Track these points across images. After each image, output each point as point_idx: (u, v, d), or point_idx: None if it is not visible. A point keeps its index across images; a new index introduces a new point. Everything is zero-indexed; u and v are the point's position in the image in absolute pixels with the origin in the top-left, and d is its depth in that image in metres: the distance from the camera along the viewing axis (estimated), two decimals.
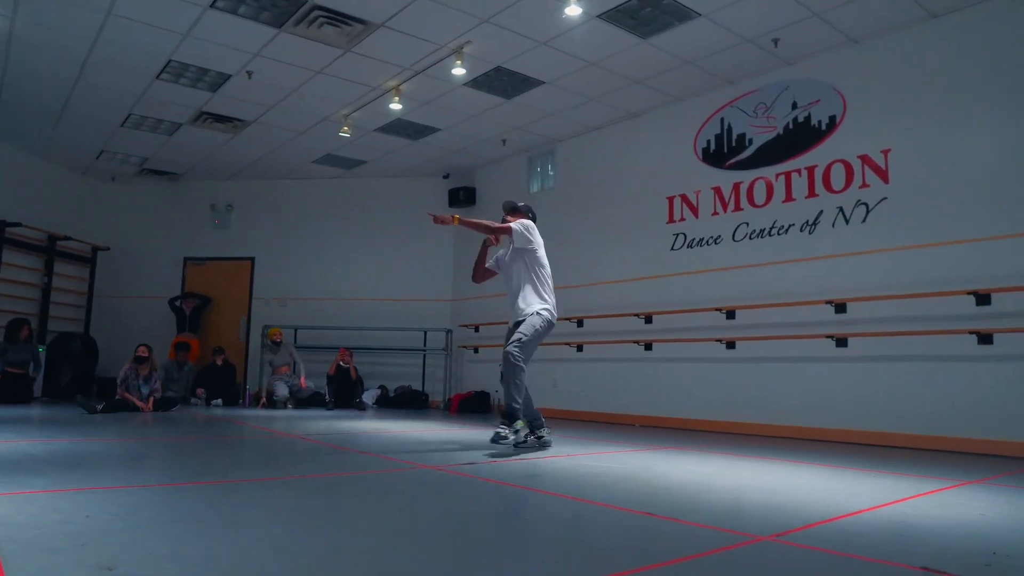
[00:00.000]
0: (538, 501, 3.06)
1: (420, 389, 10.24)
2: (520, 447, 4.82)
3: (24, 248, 9.42)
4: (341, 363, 9.48)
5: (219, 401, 9.09)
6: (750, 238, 6.76)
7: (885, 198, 5.79)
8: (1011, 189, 5.13)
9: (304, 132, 8.60)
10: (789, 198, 6.47)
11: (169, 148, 9.23)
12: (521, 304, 4.63)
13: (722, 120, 7.12)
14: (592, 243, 8.41)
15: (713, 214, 7.13)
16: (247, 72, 6.77)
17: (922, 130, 5.65)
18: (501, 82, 7.11)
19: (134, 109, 7.85)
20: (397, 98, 7.25)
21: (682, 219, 7.45)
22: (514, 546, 2.28)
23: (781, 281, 6.42)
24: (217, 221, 10.82)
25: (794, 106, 6.49)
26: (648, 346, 7.54)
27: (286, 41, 6.17)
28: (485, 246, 4.92)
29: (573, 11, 5.51)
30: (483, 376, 9.79)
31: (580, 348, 8.39)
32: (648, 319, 7.60)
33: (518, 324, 4.63)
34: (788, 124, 6.52)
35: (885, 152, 5.83)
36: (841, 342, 5.91)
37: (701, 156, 7.30)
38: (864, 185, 5.93)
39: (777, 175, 6.59)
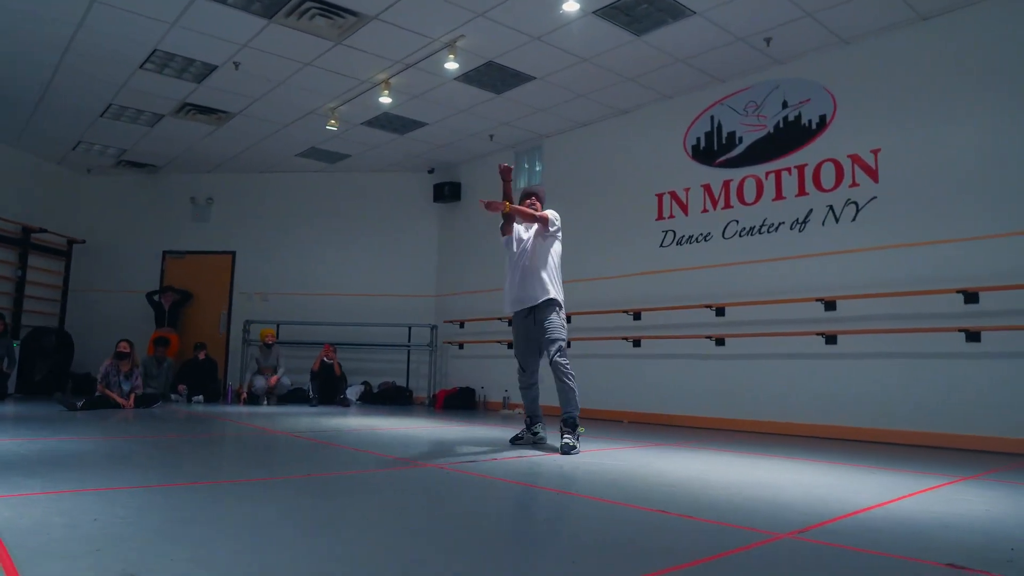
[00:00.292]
0: (548, 499, 3.05)
1: (404, 385, 10.17)
2: (516, 443, 4.81)
3: None
4: (325, 359, 9.38)
5: (200, 397, 8.95)
6: (740, 236, 6.80)
7: (875, 197, 5.86)
8: (998, 189, 5.22)
9: (289, 125, 8.47)
10: (779, 196, 6.52)
11: (149, 140, 9.04)
12: (540, 290, 4.52)
13: (712, 118, 7.15)
14: (580, 239, 8.39)
15: (703, 211, 7.17)
16: (234, 63, 6.65)
17: (912, 130, 5.72)
18: (492, 77, 7.06)
19: (115, 99, 7.67)
20: (387, 92, 7.17)
21: (671, 216, 7.47)
22: (536, 545, 2.25)
23: (771, 279, 6.47)
24: (197, 215, 10.62)
25: (784, 105, 6.54)
26: (637, 342, 7.57)
27: (276, 32, 6.06)
28: (510, 220, 4.76)
29: (571, 7, 5.49)
30: (468, 372, 9.76)
31: (568, 344, 8.36)
32: (637, 316, 7.62)
33: (531, 310, 4.55)
34: (779, 123, 6.57)
35: (875, 152, 5.89)
36: (831, 339, 5.98)
37: (691, 153, 7.33)
38: (854, 184, 6.00)
39: (767, 173, 6.63)
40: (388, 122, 8.39)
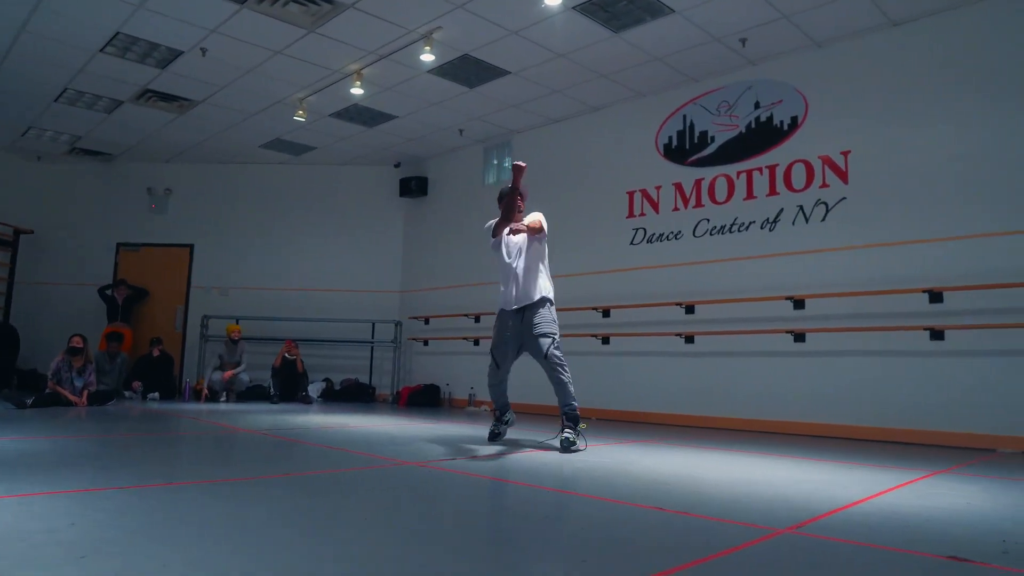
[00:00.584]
0: (541, 497, 3.00)
1: (367, 382, 10.02)
2: (495, 440, 4.78)
3: None
4: (287, 355, 9.17)
5: (156, 395, 8.65)
6: (711, 234, 6.87)
7: (844, 198, 5.97)
8: (963, 193, 5.37)
9: (255, 115, 8.25)
10: (750, 196, 6.60)
11: (106, 127, 8.70)
12: (535, 289, 4.52)
13: (685, 117, 7.20)
14: (550, 236, 8.33)
15: (674, 210, 7.21)
16: (201, 49, 6.43)
17: (881, 133, 5.84)
18: (466, 70, 6.99)
19: (71, 84, 7.35)
20: (359, 83, 7.03)
21: (642, 214, 7.50)
22: (539, 544, 2.21)
23: (741, 277, 6.55)
24: (153, 206, 10.27)
25: (756, 105, 6.62)
26: (606, 340, 7.58)
27: (247, 18, 5.87)
28: (505, 224, 4.68)
29: (552, 1, 5.45)
30: (433, 369, 9.67)
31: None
32: (606, 313, 7.63)
33: (522, 310, 4.52)
34: (751, 123, 6.64)
35: (845, 153, 6.01)
36: (799, 337, 6.07)
37: (663, 152, 7.37)
38: (824, 185, 6.10)
39: (739, 173, 6.71)
40: (357, 114, 8.24)
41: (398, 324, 10.10)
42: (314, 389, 9.45)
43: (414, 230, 10.40)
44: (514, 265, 4.57)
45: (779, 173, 6.42)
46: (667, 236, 7.23)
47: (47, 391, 7.08)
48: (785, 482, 3.42)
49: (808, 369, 6.02)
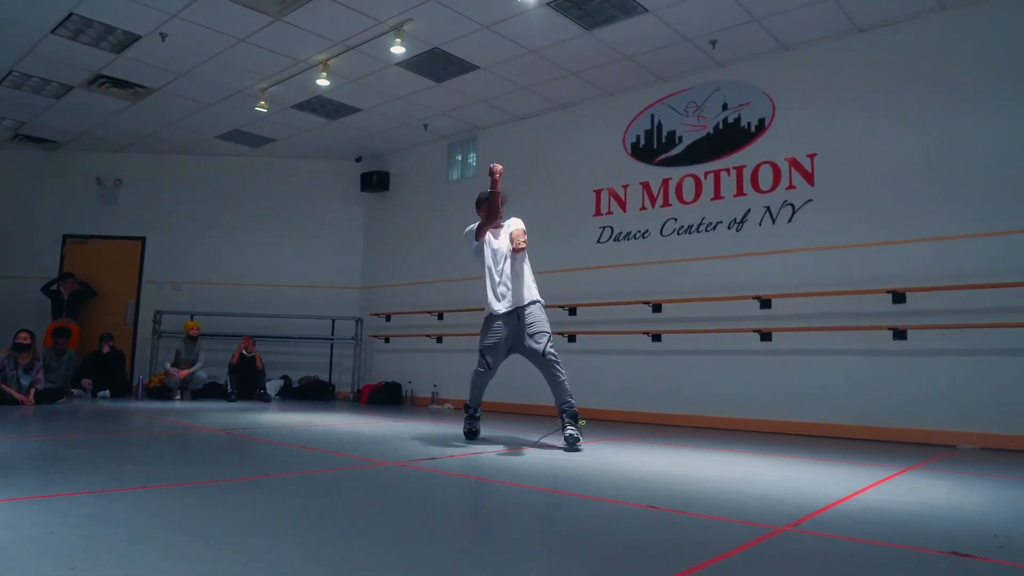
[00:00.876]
0: (532, 498, 2.96)
1: (326, 380, 9.84)
2: (472, 438, 4.77)
3: None
4: (244, 352, 8.93)
5: (107, 393, 8.32)
6: (678, 233, 6.93)
7: (811, 200, 6.09)
8: (925, 196, 5.54)
9: (213, 105, 7.98)
10: (718, 196, 6.68)
11: (53, 113, 8.30)
12: (524, 292, 4.55)
13: (652, 116, 7.25)
14: None
15: (641, 209, 7.26)
16: (161, 34, 6.17)
17: (846, 137, 5.98)
18: (435, 65, 6.89)
19: (18, 66, 6.98)
20: (324, 74, 6.86)
21: (609, 212, 7.53)
22: (543, 546, 2.17)
23: (708, 276, 6.63)
24: (103, 197, 9.86)
25: (724, 107, 6.70)
26: (572, 338, 7.58)
27: (211, 3, 5.66)
28: (489, 227, 4.65)
29: None
30: (394, 366, 9.54)
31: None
32: (572, 311, 7.64)
33: (517, 311, 4.51)
34: (718, 124, 6.72)
35: (811, 156, 6.13)
36: (766, 336, 6.18)
37: (630, 151, 7.40)
38: (791, 187, 6.22)
39: (706, 173, 6.79)
40: (320, 106, 8.06)
41: (359, 321, 9.94)
42: (272, 387, 9.23)
43: (375, 226, 10.24)
44: (500, 268, 4.58)
45: (746, 174, 6.51)
46: (634, 235, 7.27)
47: None
48: (768, 479, 3.45)
49: (774, 368, 6.13)
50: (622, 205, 7.44)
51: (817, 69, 6.20)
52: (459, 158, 9.35)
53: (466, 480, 3.29)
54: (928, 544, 2.20)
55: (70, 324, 9.04)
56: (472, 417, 4.82)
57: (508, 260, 4.59)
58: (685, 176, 6.94)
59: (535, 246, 7.97)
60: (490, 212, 4.56)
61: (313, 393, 9.45)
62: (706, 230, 6.73)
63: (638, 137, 7.36)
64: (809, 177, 6.13)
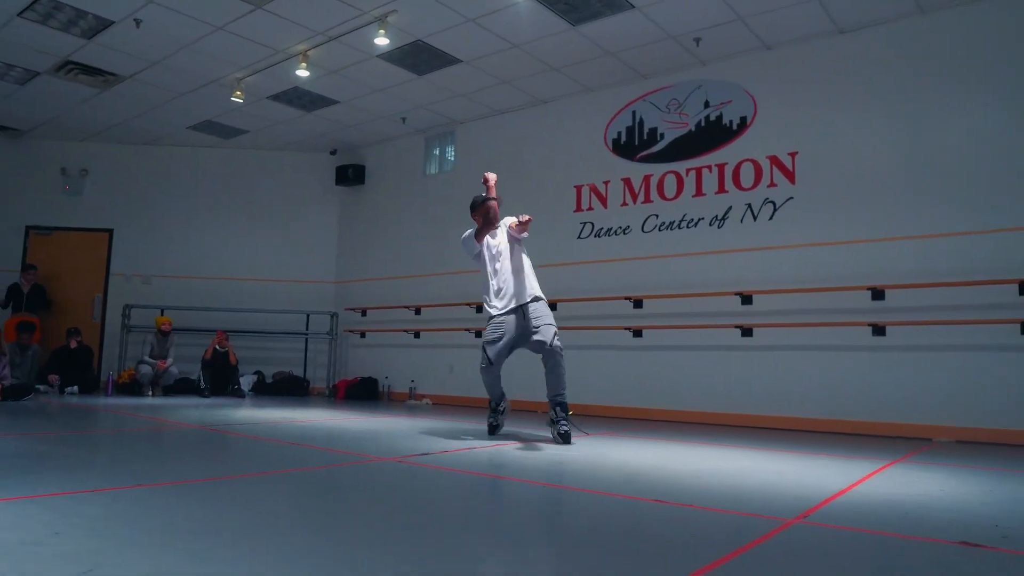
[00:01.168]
0: (538, 493, 2.95)
1: (301, 375, 9.70)
2: (495, 434, 4.84)
3: None
4: (218, 347, 8.76)
5: (74, 389, 8.08)
6: (659, 230, 6.97)
7: (791, 198, 6.18)
8: (903, 195, 5.66)
9: (186, 94, 7.78)
10: (699, 193, 6.74)
11: (17, 100, 8.01)
12: (527, 287, 4.63)
13: (634, 113, 7.28)
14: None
15: (622, 205, 7.28)
16: (135, 20, 5.99)
17: (827, 136, 6.08)
18: (416, 57, 6.82)
19: None
20: (304, 64, 6.74)
21: (590, 208, 7.55)
22: (560, 544, 2.16)
23: (689, 272, 6.68)
24: (67, 187, 9.56)
25: (706, 104, 6.76)
26: None
27: None
28: (489, 229, 4.74)
29: None
30: (371, 361, 9.44)
31: (479, 334, 8.30)
32: (552, 307, 7.58)
33: (521, 307, 4.56)
34: (700, 121, 6.78)
35: (792, 154, 6.22)
36: (747, 332, 6.25)
37: (611, 147, 7.43)
38: (772, 184, 6.30)
39: (688, 170, 6.84)
40: (297, 97, 7.92)
41: (334, 315, 9.81)
42: (245, 382, 9.07)
43: (350, 219, 10.11)
44: (500, 267, 4.64)
45: (728, 172, 6.58)
46: (615, 231, 7.30)
47: None
48: (761, 473, 3.49)
49: (755, 363, 6.21)
50: (603, 201, 7.46)
51: (799, 69, 6.29)
52: (436, 152, 9.27)
53: (468, 476, 3.27)
54: (937, 534, 2.25)
55: (34, 318, 8.76)
56: (495, 411, 4.87)
57: (507, 258, 4.65)
58: (667, 173, 6.99)
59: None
60: (487, 219, 4.66)
61: (287, 389, 9.32)
62: (687, 227, 6.79)
63: (619, 134, 7.38)
64: (790, 175, 6.22)
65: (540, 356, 4.54)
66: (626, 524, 2.37)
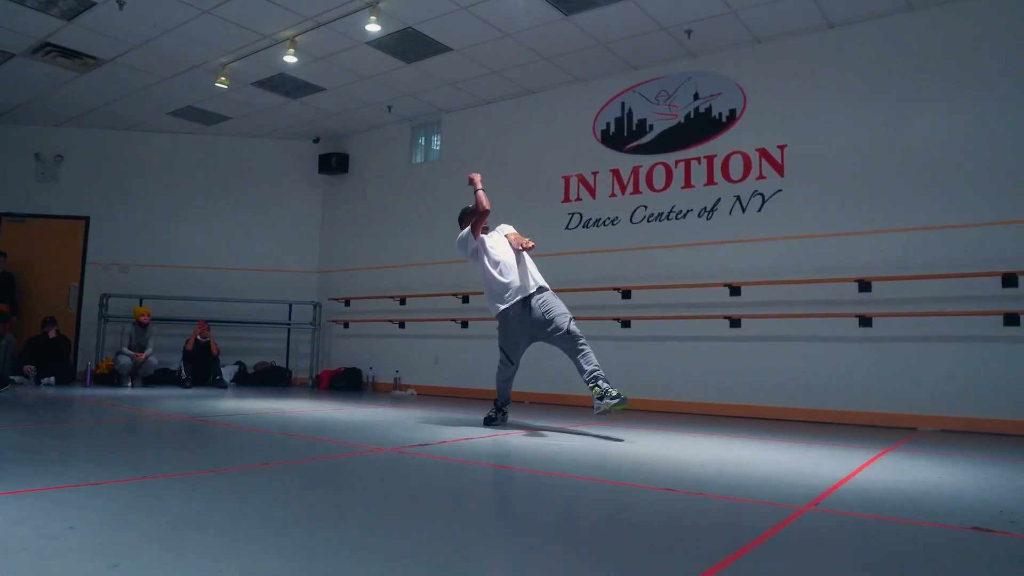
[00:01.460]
0: (551, 483, 2.95)
1: (283, 366, 9.60)
2: (490, 424, 4.85)
3: None
4: (199, 337, 8.63)
5: (51, 379, 7.91)
6: (648, 221, 7.00)
7: (780, 190, 6.24)
8: (890, 189, 5.74)
9: (168, 79, 7.62)
10: (688, 184, 6.77)
11: None
12: (527, 279, 4.64)
13: (623, 104, 7.29)
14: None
15: (611, 196, 7.30)
16: (119, 2, 5.84)
17: (815, 129, 6.14)
18: (406, 44, 6.75)
19: None
20: (292, 50, 6.63)
21: (578, 199, 7.55)
22: (582, 534, 2.16)
23: (678, 264, 6.72)
24: (43, 173, 9.33)
25: (696, 97, 6.79)
26: None
27: None
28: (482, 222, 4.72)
29: None
30: (354, 352, 9.38)
31: (465, 324, 8.29)
32: None
33: (527, 300, 4.57)
34: (690, 113, 6.81)
35: (781, 147, 6.27)
36: (735, 323, 6.31)
37: (600, 138, 7.43)
38: (761, 177, 6.35)
39: (677, 162, 6.87)
40: (282, 84, 7.80)
41: (317, 305, 9.72)
42: (226, 373, 8.94)
43: (334, 208, 10.01)
44: (500, 267, 4.61)
45: (717, 164, 6.62)
46: (604, 222, 7.31)
47: None
48: (760, 462, 3.53)
49: (742, 354, 6.28)
50: (591, 192, 7.47)
51: (788, 62, 6.34)
52: (422, 141, 9.20)
53: (472, 466, 3.26)
54: (947, 520, 2.29)
55: (4, 307, 8.53)
56: (499, 410, 4.89)
57: (508, 256, 4.67)
58: (656, 164, 7.01)
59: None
60: (479, 214, 4.66)
61: (269, 379, 9.22)
62: (676, 218, 6.82)
63: (608, 124, 7.38)
64: (779, 168, 6.27)
65: (561, 347, 4.52)
66: (646, 514, 2.38)
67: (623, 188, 7.22)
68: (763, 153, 6.36)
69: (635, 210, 7.10)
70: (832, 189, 6.00)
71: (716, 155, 6.63)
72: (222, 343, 9.01)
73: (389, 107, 8.60)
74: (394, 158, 9.37)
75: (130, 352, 8.14)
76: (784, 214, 6.20)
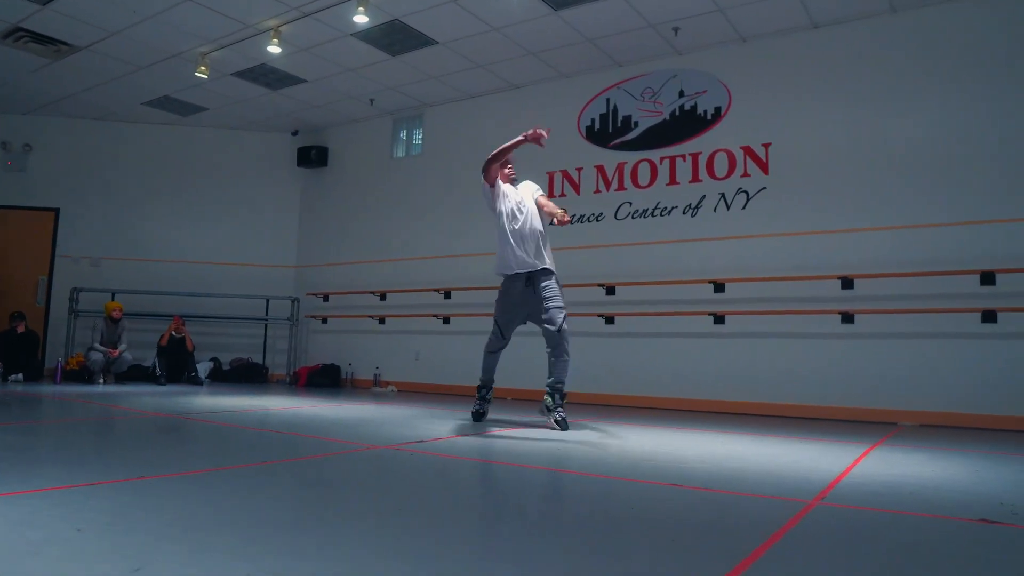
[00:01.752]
0: (556, 480, 2.94)
1: (260, 362, 9.46)
2: (480, 419, 4.82)
3: None
4: (174, 333, 8.47)
5: (19, 376, 7.69)
6: (633, 217, 7.03)
7: (764, 188, 6.31)
8: (872, 187, 5.84)
9: (145, 68, 7.44)
10: (673, 181, 6.81)
11: None
12: (542, 254, 4.56)
13: (608, 100, 7.30)
14: (463, 213, 8.25)
15: (595, 192, 7.31)
16: None
17: (799, 128, 6.22)
18: (392, 37, 6.68)
19: None
20: (276, 41, 6.51)
21: (563, 195, 7.54)
22: (601, 532, 2.15)
23: (662, 260, 6.76)
24: (10, 163, 9.05)
25: (681, 94, 6.83)
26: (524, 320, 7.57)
27: None
28: (499, 166, 4.68)
29: None
30: (333, 348, 9.28)
31: (447, 320, 8.25)
32: None
33: (531, 276, 4.51)
34: (675, 111, 6.84)
35: (766, 145, 6.34)
36: (719, 319, 6.37)
37: (585, 134, 7.43)
38: (745, 174, 6.42)
39: (662, 159, 6.90)
40: (263, 75, 7.66)
41: (295, 301, 9.59)
42: (202, 369, 8.79)
43: (312, 202, 9.88)
44: (516, 228, 4.51)
45: (702, 161, 6.67)
46: (588, 218, 7.33)
47: None
48: (758, 457, 3.57)
49: (726, 350, 6.34)
50: (576, 188, 7.47)
51: (773, 61, 6.40)
52: (404, 136, 9.13)
53: (472, 463, 3.24)
54: (954, 513, 2.33)
55: None
56: (483, 399, 4.81)
57: (530, 217, 4.54)
58: (640, 161, 7.04)
59: (486, 227, 7.95)
60: (500, 151, 4.62)
61: (246, 376, 9.08)
62: (661, 215, 6.86)
63: (593, 120, 7.39)
64: (763, 166, 6.34)
65: (545, 338, 4.46)
66: (661, 510, 2.38)
67: (608, 184, 7.24)
68: (748, 151, 6.42)
69: (620, 206, 7.12)
70: (815, 187, 6.08)
71: (701, 152, 6.68)
72: (197, 339, 8.85)
73: (371, 100, 8.51)
74: (375, 152, 9.27)
75: (102, 348, 7.94)
76: (768, 212, 6.27)
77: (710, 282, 6.41)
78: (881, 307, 5.65)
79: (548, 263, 4.57)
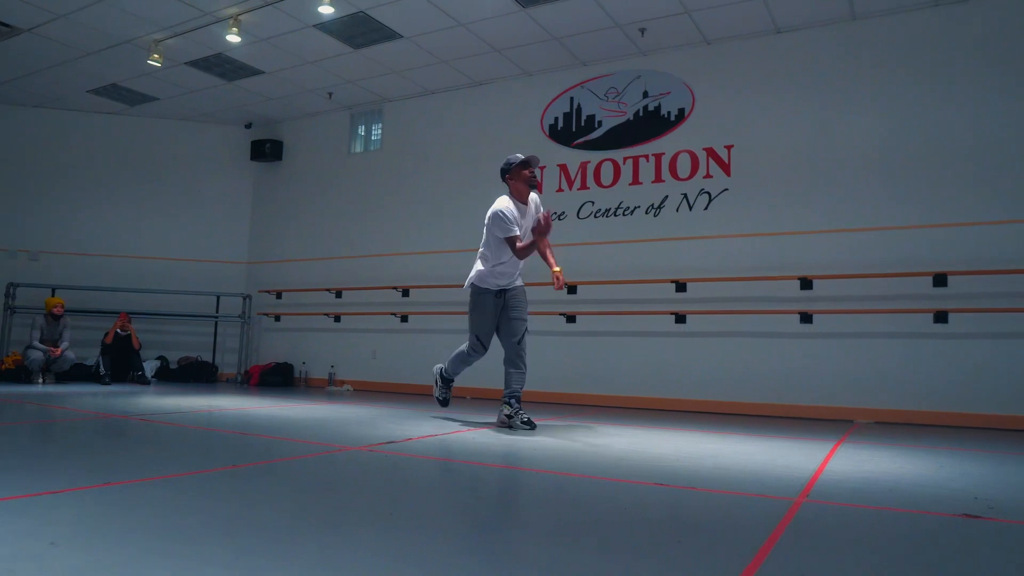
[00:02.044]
0: (526, 480, 2.90)
1: (209, 360, 9.17)
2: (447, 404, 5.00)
3: None
4: (120, 330, 8.14)
5: None
6: (595, 216, 7.05)
7: (726, 189, 6.40)
8: (830, 190, 5.99)
9: (93, 54, 7.11)
10: (636, 181, 6.86)
11: None
12: (518, 272, 4.64)
13: (572, 99, 7.31)
14: (422, 211, 8.17)
15: (558, 191, 7.31)
16: None
17: (761, 131, 6.33)
18: (355, 29, 6.54)
19: None
20: (235, 30, 6.31)
21: None
22: (601, 536, 2.13)
23: (624, 259, 6.80)
24: None
25: (645, 95, 6.88)
26: None
27: None
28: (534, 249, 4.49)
29: None
30: (286, 346, 9.07)
31: (404, 319, 8.14)
32: None
33: (503, 291, 4.55)
34: (639, 111, 6.89)
35: (728, 147, 6.43)
36: (680, 319, 6.44)
37: (548, 132, 7.43)
38: (708, 176, 6.50)
39: (625, 159, 6.94)
40: (218, 64, 7.42)
41: (246, 297, 9.32)
42: (148, 368, 8.47)
43: (265, 197, 9.63)
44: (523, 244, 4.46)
45: (665, 161, 6.73)
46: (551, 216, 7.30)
47: None
48: (733, 455, 3.60)
49: (687, 349, 6.42)
50: (538, 186, 7.43)
51: (736, 64, 6.50)
52: (362, 131, 8.97)
53: (449, 464, 3.18)
54: (935, 508, 2.38)
55: None
56: (447, 387, 4.93)
57: (526, 236, 4.50)
58: (604, 160, 7.07)
59: (447, 225, 7.91)
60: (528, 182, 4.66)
61: (194, 375, 8.79)
62: (624, 214, 6.90)
63: (556, 119, 7.39)
64: (726, 167, 6.43)
65: (504, 348, 4.53)
66: (656, 509, 2.37)
67: (571, 183, 7.25)
68: (710, 152, 6.51)
69: (582, 205, 7.14)
70: (776, 189, 6.20)
71: (664, 153, 6.74)
72: (144, 337, 8.54)
73: (330, 94, 8.33)
74: (332, 146, 9.09)
75: (42, 346, 7.58)
76: (730, 213, 6.37)
77: (672, 281, 6.47)
78: (839, 307, 5.79)
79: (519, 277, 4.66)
